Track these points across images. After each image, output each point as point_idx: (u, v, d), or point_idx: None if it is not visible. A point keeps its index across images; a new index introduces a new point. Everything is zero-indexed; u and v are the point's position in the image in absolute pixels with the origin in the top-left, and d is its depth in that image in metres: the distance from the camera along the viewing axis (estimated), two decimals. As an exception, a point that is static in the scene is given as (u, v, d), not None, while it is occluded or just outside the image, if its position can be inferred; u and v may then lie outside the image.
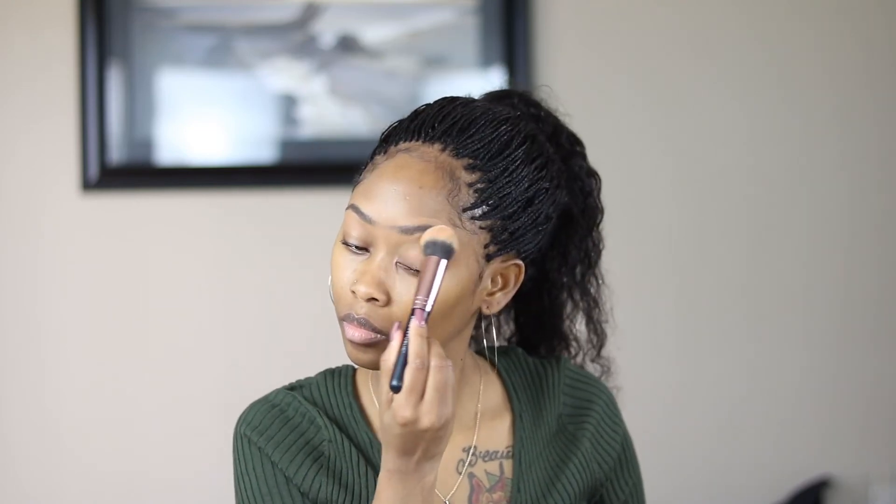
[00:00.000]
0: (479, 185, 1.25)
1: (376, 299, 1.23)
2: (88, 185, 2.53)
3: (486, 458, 1.34)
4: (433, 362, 1.16)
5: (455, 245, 1.20)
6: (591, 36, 2.66)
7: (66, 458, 2.55)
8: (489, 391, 1.38)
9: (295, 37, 2.59)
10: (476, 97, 1.39)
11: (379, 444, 1.30)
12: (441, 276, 1.18)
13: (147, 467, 2.57)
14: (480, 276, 1.27)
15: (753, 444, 2.70)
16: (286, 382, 1.38)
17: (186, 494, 2.57)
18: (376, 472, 1.30)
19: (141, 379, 2.57)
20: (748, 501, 2.68)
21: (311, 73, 2.59)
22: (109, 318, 2.56)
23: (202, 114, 2.60)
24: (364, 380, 1.37)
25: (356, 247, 1.25)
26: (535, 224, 1.29)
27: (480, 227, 1.25)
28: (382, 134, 1.32)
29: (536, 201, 1.29)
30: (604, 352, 1.52)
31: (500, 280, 1.30)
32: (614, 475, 1.41)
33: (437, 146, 1.26)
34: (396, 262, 1.23)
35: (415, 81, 2.60)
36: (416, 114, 1.31)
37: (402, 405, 1.15)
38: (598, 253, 1.48)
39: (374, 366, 1.25)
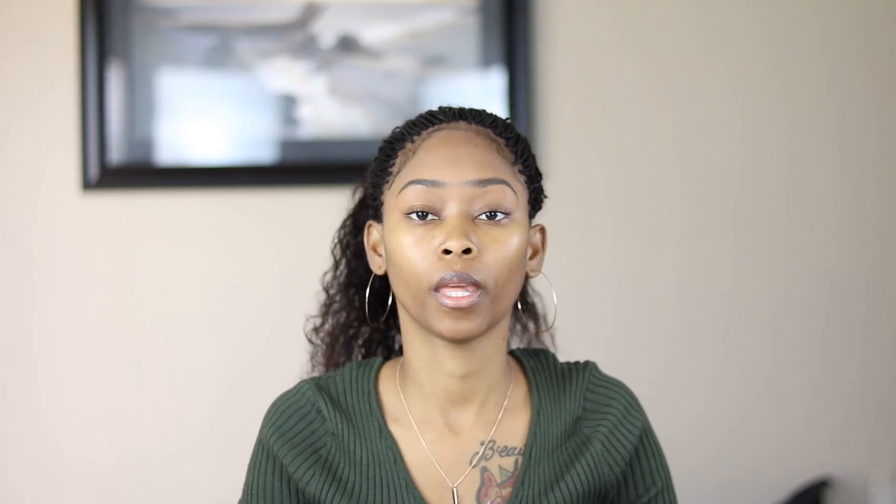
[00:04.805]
0: (510, 146, 1.34)
1: (470, 250, 1.26)
2: (88, 184, 2.53)
3: (504, 454, 1.36)
4: None
5: None
6: (591, 36, 2.66)
7: (65, 458, 2.55)
8: (516, 390, 1.40)
9: (295, 37, 2.59)
10: None
11: (388, 433, 1.34)
12: None
13: (148, 466, 2.57)
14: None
15: (754, 444, 2.70)
16: (287, 382, 1.39)
17: (185, 494, 2.57)
18: (378, 463, 1.33)
19: (141, 378, 2.57)
20: (748, 501, 2.68)
21: (311, 73, 2.59)
22: (109, 317, 2.56)
23: (202, 114, 2.60)
24: (392, 373, 1.39)
25: (420, 215, 1.29)
26: (540, 187, 1.38)
27: (525, 182, 1.34)
28: (388, 138, 1.37)
29: (536, 165, 1.38)
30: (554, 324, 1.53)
31: (529, 248, 1.36)
32: (632, 475, 1.40)
33: (462, 122, 1.35)
34: (472, 216, 1.29)
35: (415, 81, 2.60)
36: (419, 116, 1.38)
37: None
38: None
39: (474, 334, 1.28)
